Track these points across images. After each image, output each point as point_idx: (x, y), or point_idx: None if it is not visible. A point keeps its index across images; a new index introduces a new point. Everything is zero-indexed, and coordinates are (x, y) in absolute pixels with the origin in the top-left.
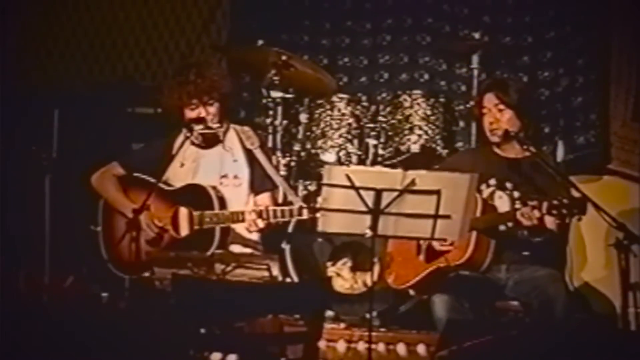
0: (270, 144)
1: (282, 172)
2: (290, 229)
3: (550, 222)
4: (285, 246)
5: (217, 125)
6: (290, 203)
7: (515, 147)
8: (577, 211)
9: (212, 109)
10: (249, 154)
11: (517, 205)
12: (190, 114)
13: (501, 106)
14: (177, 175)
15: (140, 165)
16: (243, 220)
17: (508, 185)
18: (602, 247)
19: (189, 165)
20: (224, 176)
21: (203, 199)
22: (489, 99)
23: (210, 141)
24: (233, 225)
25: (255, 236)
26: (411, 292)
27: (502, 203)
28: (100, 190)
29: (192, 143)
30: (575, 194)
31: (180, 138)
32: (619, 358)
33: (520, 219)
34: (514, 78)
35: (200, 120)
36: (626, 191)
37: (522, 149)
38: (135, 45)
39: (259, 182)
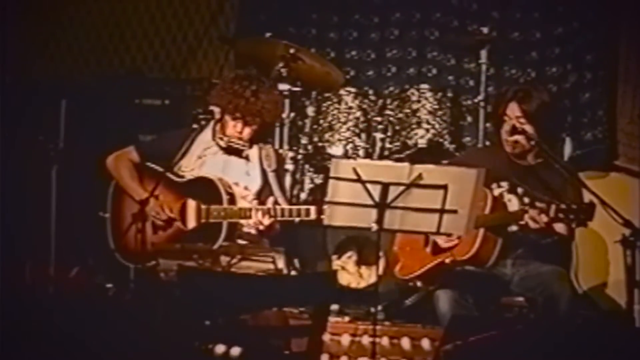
0: (277, 137)
1: (289, 166)
2: (296, 222)
3: (559, 226)
4: (291, 239)
5: (245, 143)
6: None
7: (529, 154)
8: (584, 217)
9: (249, 130)
10: (264, 173)
11: (526, 207)
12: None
13: (522, 120)
14: (190, 167)
15: (157, 153)
16: (249, 217)
17: (519, 190)
18: (612, 249)
19: (205, 160)
20: (236, 183)
21: (212, 193)
22: (512, 109)
23: (233, 150)
24: (241, 222)
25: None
26: (418, 283)
27: (510, 206)
28: (114, 173)
29: (217, 143)
30: (585, 199)
31: (207, 136)
32: (623, 354)
33: (528, 221)
34: (540, 88)
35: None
36: (632, 188)
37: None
38: (144, 36)
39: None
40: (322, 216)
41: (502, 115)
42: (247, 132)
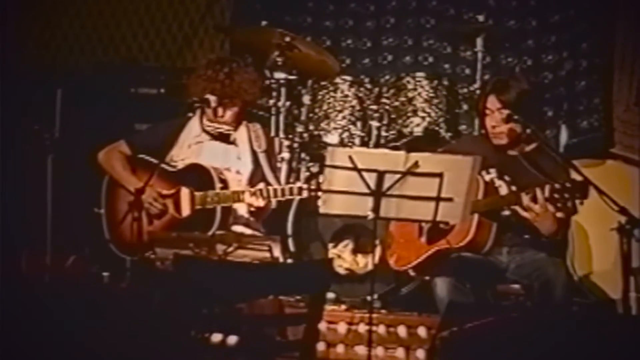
0: (273, 125)
1: (285, 154)
2: (292, 210)
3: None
4: (287, 227)
5: (229, 127)
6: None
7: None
8: (579, 195)
9: (230, 113)
10: (255, 154)
11: (519, 192)
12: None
13: (504, 111)
14: (182, 156)
15: (147, 145)
16: (243, 200)
17: (507, 178)
18: (607, 238)
19: (196, 149)
20: (227, 169)
21: (205, 180)
22: (492, 102)
23: (221, 135)
24: (234, 206)
25: (256, 218)
26: (412, 273)
27: (502, 191)
28: (106, 167)
29: (204, 130)
30: (577, 177)
31: (195, 125)
32: (619, 342)
33: (519, 210)
34: (518, 77)
35: (206, 102)
36: (628, 175)
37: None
38: (139, 25)
39: (258, 182)
40: (318, 201)
41: (484, 109)
42: (229, 114)
